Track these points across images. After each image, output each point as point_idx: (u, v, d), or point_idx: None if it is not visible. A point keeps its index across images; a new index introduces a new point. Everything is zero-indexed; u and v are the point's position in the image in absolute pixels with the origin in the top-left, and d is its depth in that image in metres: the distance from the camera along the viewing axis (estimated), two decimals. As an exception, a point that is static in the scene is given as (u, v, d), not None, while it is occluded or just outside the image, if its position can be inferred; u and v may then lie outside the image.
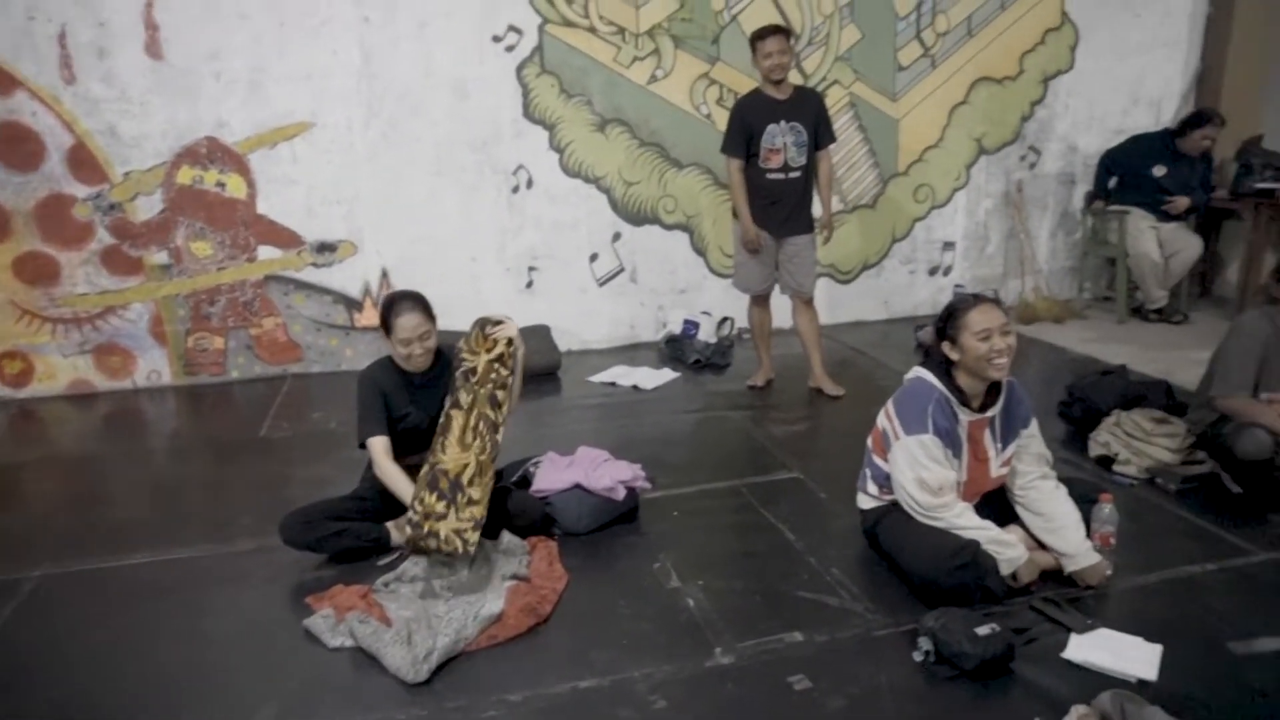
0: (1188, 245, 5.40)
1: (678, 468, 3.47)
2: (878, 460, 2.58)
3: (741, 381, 4.57)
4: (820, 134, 4.08)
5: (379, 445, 2.76)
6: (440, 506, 2.54)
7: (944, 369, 2.45)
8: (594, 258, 5.23)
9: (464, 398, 2.76)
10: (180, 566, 2.80)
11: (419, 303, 2.81)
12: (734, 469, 3.50)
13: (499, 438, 2.75)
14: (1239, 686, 2.05)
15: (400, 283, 4.90)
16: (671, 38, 5.01)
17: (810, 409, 4.21)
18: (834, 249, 5.51)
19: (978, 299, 2.44)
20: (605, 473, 2.97)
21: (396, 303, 2.80)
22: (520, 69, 4.86)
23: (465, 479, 2.61)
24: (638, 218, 5.24)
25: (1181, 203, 5.35)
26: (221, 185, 4.62)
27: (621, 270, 5.29)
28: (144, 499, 3.45)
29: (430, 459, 2.66)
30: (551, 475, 3.02)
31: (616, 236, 5.23)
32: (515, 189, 5.01)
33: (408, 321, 2.74)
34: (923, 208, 5.73)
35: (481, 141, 4.90)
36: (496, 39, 4.78)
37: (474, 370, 2.81)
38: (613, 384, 4.64)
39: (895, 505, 2.54)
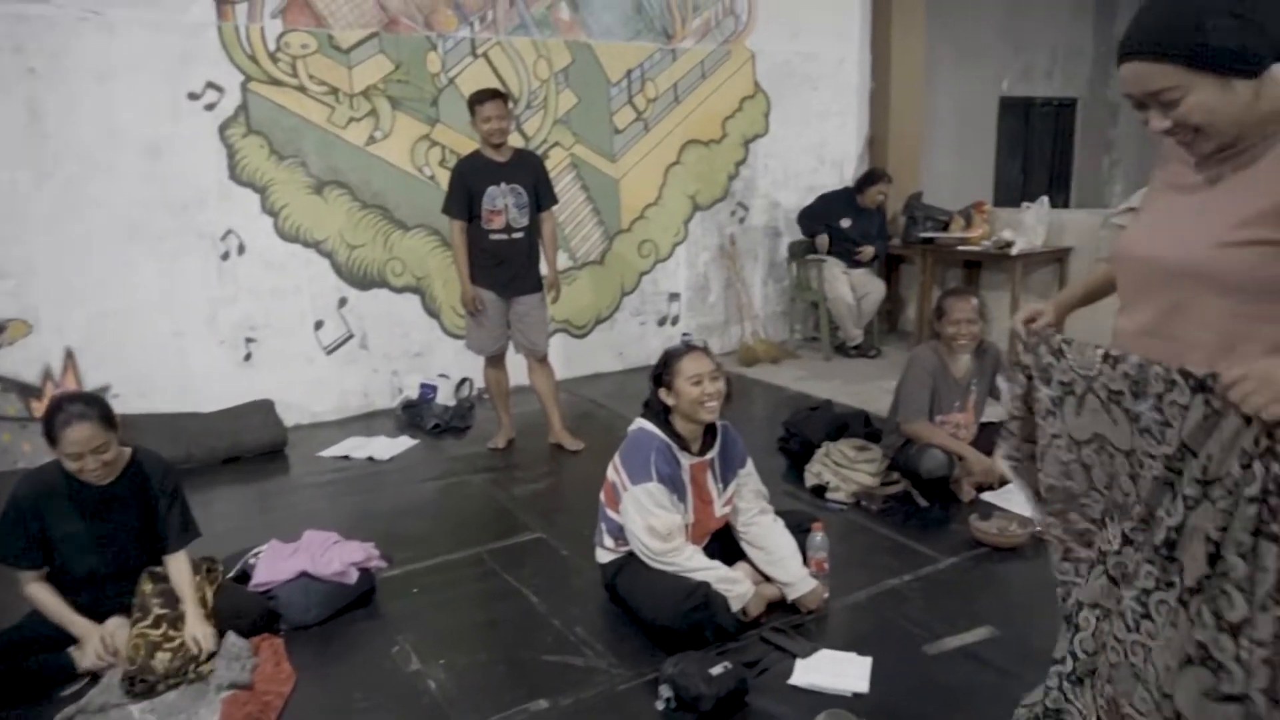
0: (874, 288, 6.12)
1: (417, 540, 3.34)
2: (610, 513, 2.64)
3: (483, 443, 4.51)
4: (541, 196, 4.18)
5: (28, 576, 2.44)
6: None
7: (663, 417, 2.58)
8: (319, 325, 4.96)
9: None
10: None
11: (91, 408, 2.38)
12: (476, 535, 3.42)
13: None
14: (934, 687, 2.30)
15: (89, 363, 4.36)
16: (389, 99, 4.94)
17: (552, 466, 4.24)
18: (567, 305, 5.64)
19: (689, 347, 2.61)
20: (334, 556, 2.79)
21: (60, 410, 2.35)
22: (223, 129, 4.54)
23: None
24: (364, 281, 5.05)
25: (868, 251, 6.05)
26: None
27: (350, 336, 5.06)
28: None
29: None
30: (274, 565, 2.78)
31: (343, 302, 5.01)
32: (225, 255, 4.65)
33: (76, 434, 2.32)
34: (647, 262, 6.04)
35: (182, 205, 4.50)
36: (194, 96, 4.44)
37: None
38: (346, 457, 4.40)
39: (632, 555, 2.60)
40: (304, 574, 2.73)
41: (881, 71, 6.60)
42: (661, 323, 6.18)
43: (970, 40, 7.48)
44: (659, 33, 5.76)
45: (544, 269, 4.29)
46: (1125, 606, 1.41)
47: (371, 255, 5.04)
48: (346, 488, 4.01)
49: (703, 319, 6.34)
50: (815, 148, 6.58)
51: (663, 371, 2.58)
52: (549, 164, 5.32)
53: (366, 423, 4.97)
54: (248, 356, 4.78)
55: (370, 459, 4.36)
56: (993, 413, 3.73)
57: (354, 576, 2.77)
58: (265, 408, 4.57)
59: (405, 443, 4.56)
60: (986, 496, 3.48)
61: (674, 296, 6.21)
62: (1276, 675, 1.21)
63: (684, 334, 6.15)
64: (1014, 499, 3.40)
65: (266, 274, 4.76)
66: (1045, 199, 5.77)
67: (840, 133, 6.65)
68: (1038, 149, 8.72)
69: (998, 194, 7.96)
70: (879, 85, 6.65)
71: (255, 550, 2.90)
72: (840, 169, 6.62)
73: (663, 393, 2.57)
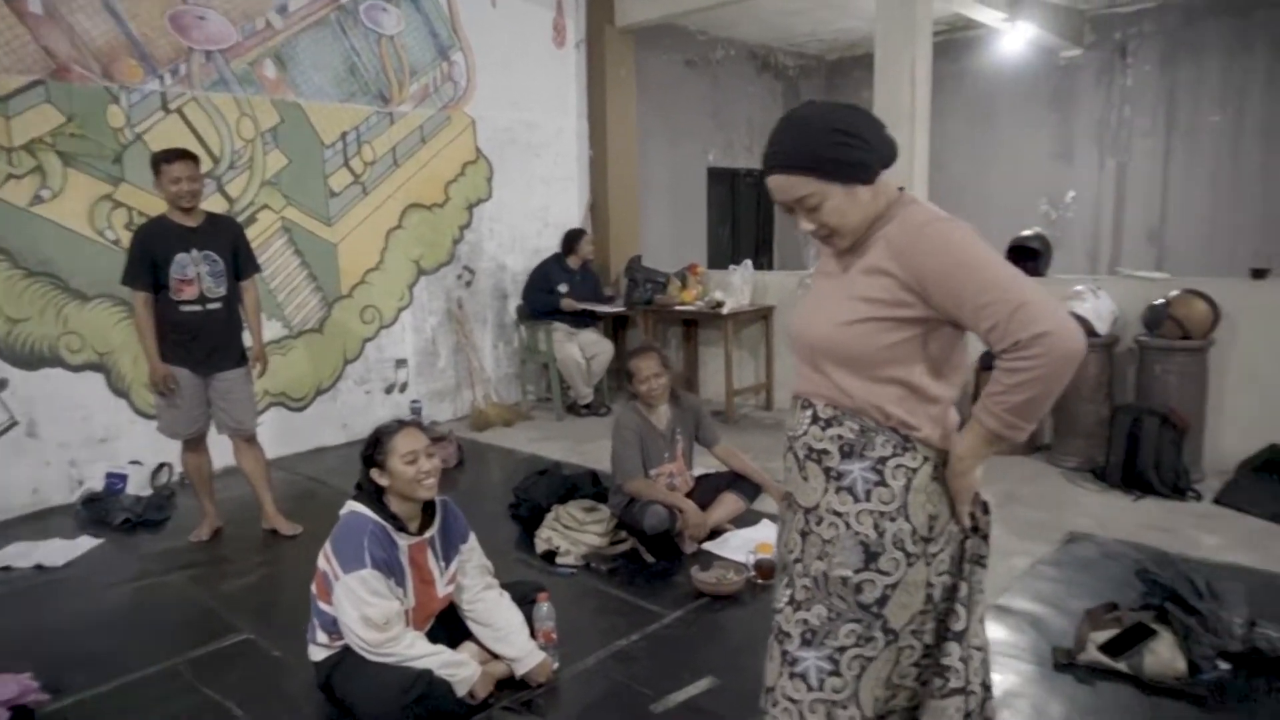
0: (603, 348, 6.32)
1: (97, 659, 2.90)
2: (323, 605, 2.45)
3: (184, 537, 4.04)
4: (241, 263, 3.89)
5: None
6: None
7: (376, 498, 2.45)
8: (-31, 413, 4.24)
9: None
10: None
11: None
12: (173, 645, 3.03)
13: None
14: (660, 744, 2.34)
15: None
16: (58, 154, 4.39)
17: (265, 555, 3.89)
18: (283, 376, 5.28)
19: (401, 424, 2.51)
20: (-24, 696, 2.34)
21: None
22: None
23: None
24: (31, 360, 4.39)
25: (571, 304, 6.15)
26: None
27: (14, 424, 4.37)
28: None
29: None
30: (-107, 717, 2.28)
31: (3, 384, 4.32)
32: None
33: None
34: (371, 328, 5.81)
35: None
36: None
37: None
38: (7, 568, 3.75)
39: (348, 650, 2.43)
40: (-65, 723, 2.27)
41: (599, 140, 6.92)
42: (389, 390, 5.95)
43: (679, 114, 8.07)
44: (375, 96, 5.64)
45: (248, 341, 3.98)
46: (806, 666, 1.53)
47: (40, 330, 4.41)
48: (4, 605, 3.41)
49: (433, 385, 6.19)
50: (539, 212, 6.73)
51: (374, 451, 2.46)
52: (257, 228, 5.04)
53: (36, 524, 4.29)
54: None
55: (39, 566, 3.75)
56: (707, 463, 3.96)
57: (3, 717, 2.35)
58: (-106, 517, 3.80)
59: (86, 543, 3.98)
60: (707, 546, 3.65)
61: (401, 363, 6.01)
62: (986, 668, 1.61)
63: (413, 401, 5.97)
64: (730, 547, 3.61)
65: (-105, 356, 4.01)
66: (749, 262, 6.29)
67: (563, 197, 6.87)
68: (744, 215, 9.54)
69: (711, 257, 8.58)
70: (597, 153, 6.96)
71: None
72: (564, 232, 6.80)
73: (375, 473, 2.45)
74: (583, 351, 6.19)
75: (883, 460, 1.49)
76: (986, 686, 1.62)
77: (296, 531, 4.04)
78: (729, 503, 3.77)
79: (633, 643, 2.91)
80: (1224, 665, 2.55)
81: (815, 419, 1.55)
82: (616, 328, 6.94)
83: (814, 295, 1.63)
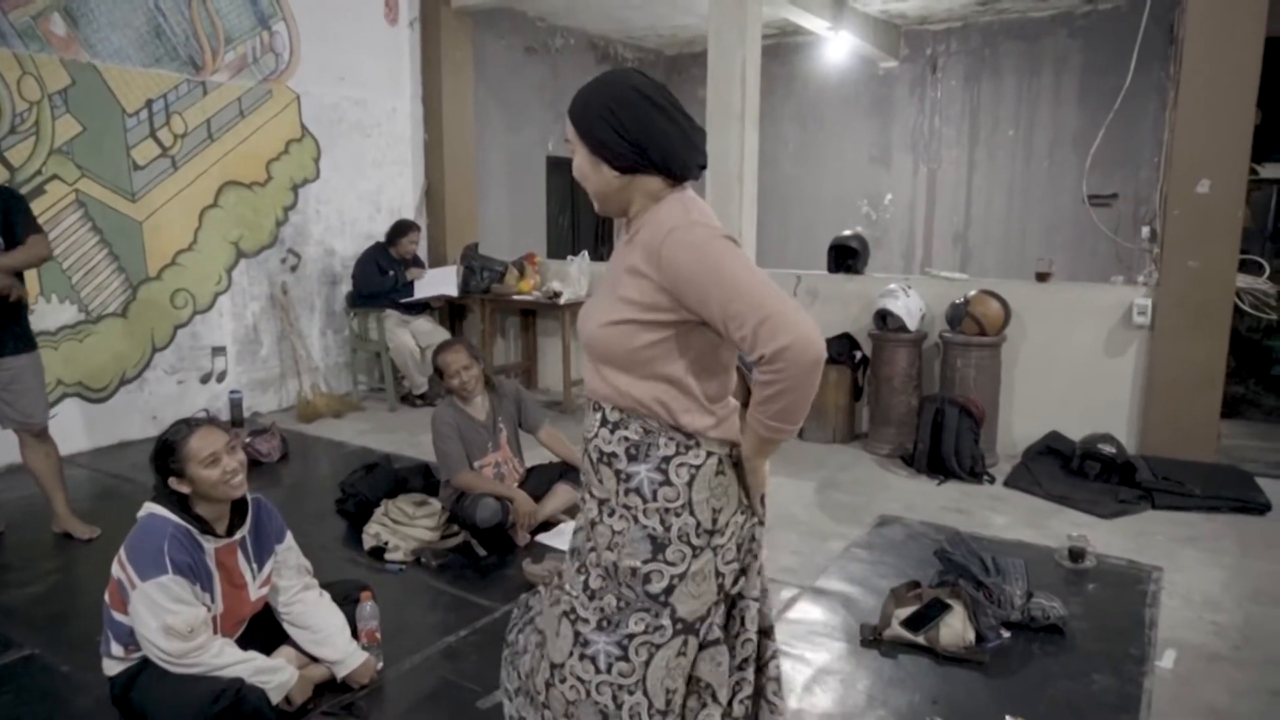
0: (438, 337, 6.15)
1: None
2: (118, 616, 2.26)
3: (-44, 543, 3.63)
4: (18, 228, 3.42)
5: None
6: None
7: (177, 500, 2.28)
8: None
9: None
10: None
11: None
12: (-62, 666, 2.72)
13: None
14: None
15: None
16: None
17: (56, 561, 3.55)
18: (81, 363, 4.83)
19: (191, 425, 2.32)
20: None
21: None
22: None
23: None
24: None
25: (416, 273, 6.06)
26: None
27: None
28: None
29: None
30: None
31: None
32: None
33: None
34: (184, 313, 5.41)
35: None
36: None
37: None
38: None
39: (147, 661, 2.26)
40: None
41: (434, 124, 6.73)
42: (205, 380, 5.56)
43: (518, 101, 7.96)
44: (184, 62, 5.23)
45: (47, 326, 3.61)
46: (597, 650, 1.57)
47: None
48: None
49: (255, 374, 5.84)
50: (371, 195, 6.47)
51: (168, 460, 2.26)
52: (45, 200, 4.62)
53: None
54: None
55: None
56: (541, 455, 3.95)
57: None
58: None
59: None
60: (540, 538, 3.66)
61: (219, 350, 5.63)
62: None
63: (232, 391, 5.61)
64: (564, 538, 3.63)
65: None
66: (585, 253, 6.32)
67: (397, 181, 6.64)
68: (584, 205, 9.53)
69: (551, 246, 8.55)
70: (433, 137, 6.77)
71: None
72: (398, 216, 6.57)
73: (174, 482, 2.27)
74: (417, 340, 6.02)
75: (666, 460, 1.53)
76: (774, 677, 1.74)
77: (94, 534, 3.71)
78: (562, 493, 3.77)
79: (461, 639, 2.88)
80: (1006, 634, 2.82)
81: (604, 421, 1.59)
82: (453, 316, 6.80)
83: (597, 291, 1.69)
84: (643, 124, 1.48)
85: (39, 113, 4.61)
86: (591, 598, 1.61)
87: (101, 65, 4.84)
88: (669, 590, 1.55)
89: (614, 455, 1.57)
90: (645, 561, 1.55)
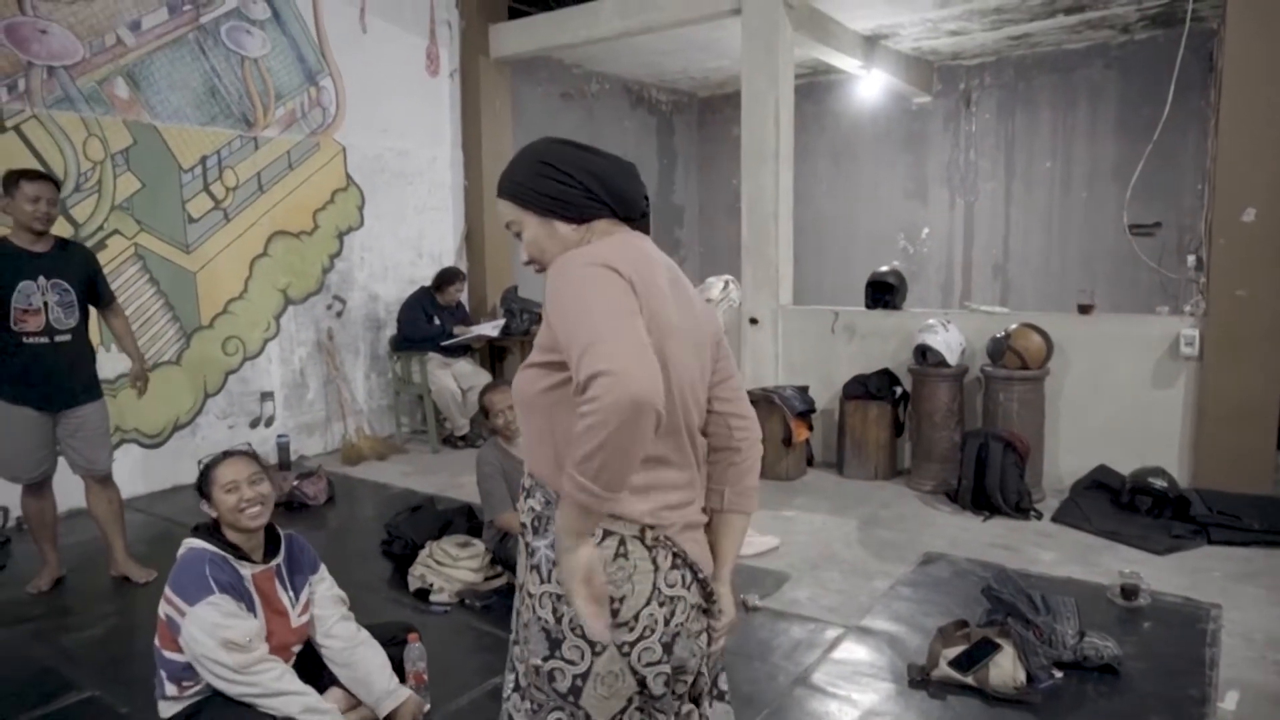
0: (479, 379, 6.25)
1: (-86, 729, 2.65)
2: (169, 654, 2.33)
3: (21, 587, 3.75)
4: (100, 293, 3.72)
5: None
6: None
7: (213, 531, 2.40)
8: None
9: None
10: None
11: None
12: (3, 709, 2.81)
13: None
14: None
15: None
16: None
17: (115, 604, 3.65)
18: (136, 412, 4.99)
19: (228, 454, 2.46)
20: None
21: None
22: None
23: None
24: None
25: (462, 329, 6.16)
26: None
27: None
28: None
29: None
30: None
31: None
32: None
33: None
34: (234, 360, 5.57)
35: None
36: None
37: None
38: None
39: (204, 703, 2.31)
40: None
41: (474, 171, 6.90)
42: (254, 424, 5.71)
43: (555, 146, 8.12)
44: (238, 119, 5.45)
45: (106, 373, 3.75)
46: None
47: None
48: None
49: (301, 418, 5.97)
50: (413, 241, 6.64)
51: (202, 483, 2.42)
52: (107, 254, 4.80)
53: None
54: None
55: None
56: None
57: None
58: None
59: (-97, 599, 3.64)
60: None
61: (267, 395, 5.78)
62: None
63: (280, 436, 5.74)
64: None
65: None
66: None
67: (437, 227, 6.80)
68: (620, 244, 9.67)
69: (588, 285, 8.64)
70: (472, 183, 6.94)
71: None
72: (439, 262, 6.73)
73: (205, 505, 2.42)
74: (458, 382, 6.12)
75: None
76: None
77: (150, 578, 3.82)
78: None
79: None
80: (1058, 674, 2.77)
81: (524, 489, 1.48)
82: (494, 358, 6.90)
83: None
84: (577, 163, 1.43)
85: (102, 171, 4.83)
86: (523, 697, 1.47)
87: (161, 125, 5.07)
88: (575, 691, 1.37)
89: (524, 527, 1.46)
90: (545, 659, 1.39)
